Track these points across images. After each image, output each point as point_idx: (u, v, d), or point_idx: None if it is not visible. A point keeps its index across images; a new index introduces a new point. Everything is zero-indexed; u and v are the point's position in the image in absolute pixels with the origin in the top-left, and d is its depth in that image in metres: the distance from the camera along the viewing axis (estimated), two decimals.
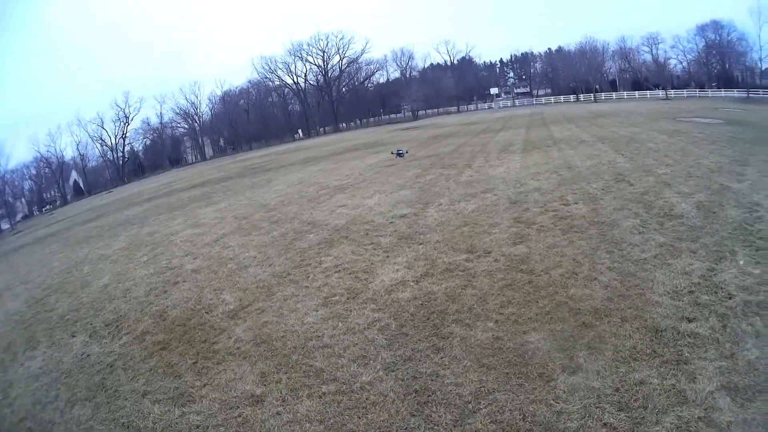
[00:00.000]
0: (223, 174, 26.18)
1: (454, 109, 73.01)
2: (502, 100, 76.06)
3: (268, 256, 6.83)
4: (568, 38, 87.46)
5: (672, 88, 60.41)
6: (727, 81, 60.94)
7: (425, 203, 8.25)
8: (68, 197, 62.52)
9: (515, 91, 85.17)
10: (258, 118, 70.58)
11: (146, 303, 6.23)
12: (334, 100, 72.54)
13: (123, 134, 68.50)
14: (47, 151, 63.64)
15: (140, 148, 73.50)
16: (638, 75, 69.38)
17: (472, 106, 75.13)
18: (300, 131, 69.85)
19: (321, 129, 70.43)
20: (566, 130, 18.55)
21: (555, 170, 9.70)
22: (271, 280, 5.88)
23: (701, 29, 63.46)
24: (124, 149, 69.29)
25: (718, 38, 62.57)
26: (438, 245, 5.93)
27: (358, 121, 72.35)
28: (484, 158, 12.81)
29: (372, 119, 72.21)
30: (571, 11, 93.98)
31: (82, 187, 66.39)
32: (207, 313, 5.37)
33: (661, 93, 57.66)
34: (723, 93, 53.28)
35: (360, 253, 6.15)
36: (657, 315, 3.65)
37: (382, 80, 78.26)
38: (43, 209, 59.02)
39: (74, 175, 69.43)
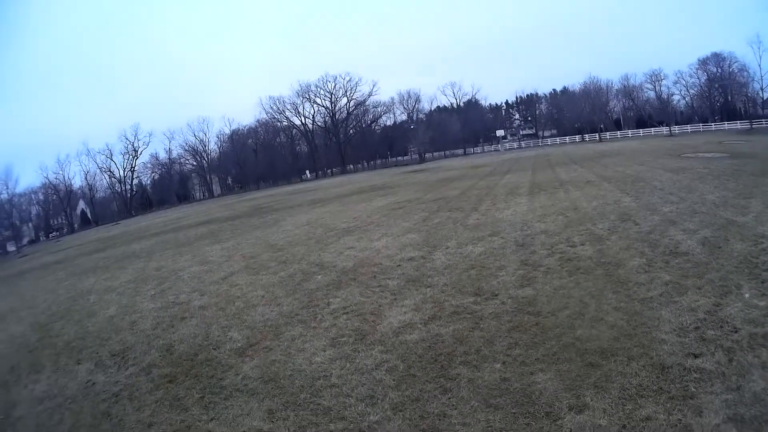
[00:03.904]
0: (231, 213, 26.45)
1: (460, 151, 73.64)
2: (508, 142, 77.14)
3: (276, 296, 6.90)
4: (573, 79, 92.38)
5: (676, 124, 60.63)
6: (729, 113, 61.13)
7: (433, 246, 8.34)
8: (75, 226, 62.79)
9: (521, 132, 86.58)
10: (266, 158, 71.50)
11: (153, 336, 6.27)
12: (342, 142, 73.66)
13: (132, 167, 69.39)
14: (56, 178, 64.25)
15: (148, 182, 74.04)
16: (642, 112, 70.10)
17: (478, 149, 76.10)
18: (308, 172, 70.71)
19: (328, 170, 71.41)
20: (572, 172, 18.83)
21: (561, 212, 9.81)
22: (278, 319, 5.93)
23: (703, 63, 63.38)
24: (132, 182, 69.83)
25: (719, 71, 62.21)
26: (445, 288, 5.98)
27: (366, 163, 73.20)
28: (491, 201, 12.95)
29: (379, 161, 73.12)
30: (576, 51, 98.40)
31: (90, 216, 66.71)
32: (214, 349, 5.40)
33: (665, 129, 58.16)
34: (726, 126, 53.45)
35: (368, 295, 6.22)
36: (663, 352, 3.69)
37: (389, 123, 79.90)
38: (50, 235, 59.18)
39: (82, 205, 69.85)
